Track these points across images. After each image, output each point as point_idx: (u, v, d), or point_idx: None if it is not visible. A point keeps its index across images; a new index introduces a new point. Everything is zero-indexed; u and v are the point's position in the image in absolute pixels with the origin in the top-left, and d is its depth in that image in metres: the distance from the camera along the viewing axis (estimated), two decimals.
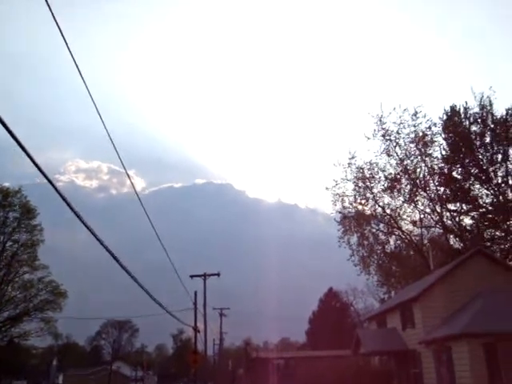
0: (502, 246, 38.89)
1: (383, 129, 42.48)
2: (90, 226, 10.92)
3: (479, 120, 38.84)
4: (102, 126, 11.13)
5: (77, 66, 9.34)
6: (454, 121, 40.29)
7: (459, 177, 40.68)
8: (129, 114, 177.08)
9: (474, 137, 39.15)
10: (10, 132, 7.56)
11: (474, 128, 39.39)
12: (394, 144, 42.59)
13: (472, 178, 39.97)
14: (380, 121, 42.49)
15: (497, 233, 39.58)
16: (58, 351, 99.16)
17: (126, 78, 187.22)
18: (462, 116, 39.85)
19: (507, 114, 37.77)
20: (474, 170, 39.65)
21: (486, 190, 39.57)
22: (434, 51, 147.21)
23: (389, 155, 43.02)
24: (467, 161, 39.65)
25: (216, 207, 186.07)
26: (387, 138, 42.49)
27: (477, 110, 39.03)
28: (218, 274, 43.45)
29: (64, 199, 9.09)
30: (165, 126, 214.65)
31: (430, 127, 41.38)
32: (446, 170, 41.26)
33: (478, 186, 40.16)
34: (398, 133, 42.25)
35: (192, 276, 42.55)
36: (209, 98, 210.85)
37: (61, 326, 52.22)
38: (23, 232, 49.54)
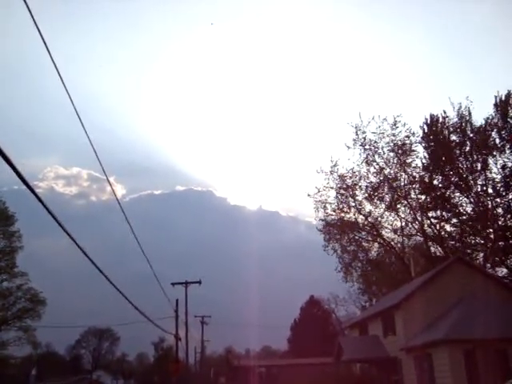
0: (483, 254, 39.33)
1: (362, 138, 42.79)
2: (70, 233, 10.81)
3: (458, 129, 39.37)
4: (81, 132, 11.03)
5: (56, 69, 9.26)
6: (433, 130, 40.78)
7: (440, 185, 41.14)
8: (108, 120, 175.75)
9: (453, 145, 39.65)
10: None
11: (453, 137, 39.93)
12: (373, 153, 42.92)
13: (452, 187, 40.44)
14: (359, 130, 42.79)
15: (477, 240, 40.05)
16: (37, 360, 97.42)
17: (105, 82, 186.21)
18: (441, 125, 40.36)
19: (486, 123, 38.33)
20: (454, 179, 40.11)
21: (466, 198, 40.07)
22: (413, 61, 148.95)
23: (369, 164, 43.34)
24: (447, 169, 40.11)
25: (197, 214, 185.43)
26: (366, 147, 42.82)
27: (456, 119, 39.58)
28: (200, 282, 43.29)
29: (44, 205, 8.99)
30: (145, 133, 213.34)
31: (408, 136, 41.82)
32: (426, 179, 41.67)
33: (458, 194, 40.64)
34: (375, 142, 42.59)
35: (173, 284, 42.34)
36: (190, 104, 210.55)
37: (40, 334, 51.40)
38: (1, 238, 48.70)
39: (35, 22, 8.11)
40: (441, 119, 40.43)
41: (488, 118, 38.25)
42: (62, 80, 9.47)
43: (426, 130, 41.36)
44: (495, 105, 37.71)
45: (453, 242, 41.00)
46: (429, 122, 41.11)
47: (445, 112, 40.20)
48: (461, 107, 39.17)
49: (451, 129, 39.81)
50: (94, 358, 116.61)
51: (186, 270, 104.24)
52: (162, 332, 43.52)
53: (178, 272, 77.70)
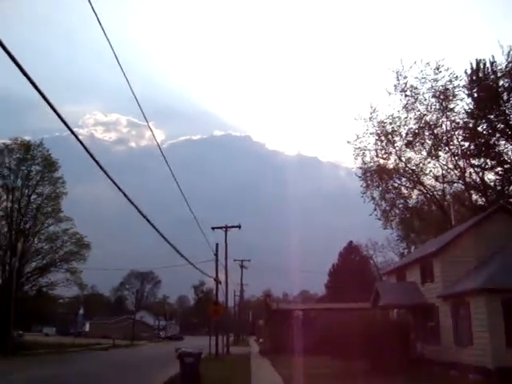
0: None
1: (404, 84, 41.71)
2: (112, 177, 11.07)
3: (507, 74, 37.67)
4: (118, 79, 11.13)
5: (97, 18, 9.26)
6: (479, 75, 39.20)
7: (484, 132, 39.88)
8: (146, 67, 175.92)
9: (501, 91, 38.11)
10: (34, 85, 7.58)
11: (501, 82, 38.29)
12: (414, 99, 41.85)
13: (497, 134, 39.15)
14: (400, 75, 41.67)
15: None
16: (84, 301, 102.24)
17: (144, 30, 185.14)
18: (489, 70, 38.69)
19: None
20: (499, 126, 38.78)
21: (511, 146, 38.84)
22: (458, 3, 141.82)
23: (409, 110, 42.34)
24: (493, 116, 38.75)
25: (235, 159, 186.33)
26: (408, 93, 41.76)
27: (504, 65, 37.81)
28: (239, 227, 43.98)
29: (87, 150, 9.20)
30: (182, 78, 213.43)
31: (451, 80, 40.43)
32: (470, 125, 40.46)
33: (503, 142, 39.38)
34: (416, 88, 41.46)
35: (213, 228, 43.18)
36: (228, 51, 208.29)
37: (86, 276, 53.74)
38: (46, 185, 50.41)
39: None
40: (488, 64, 38.77)
41: None
42: (101, 27, 9.48)
43: (471, 75, 39.80)
44: None
45: (495, 191, 40.03)
46: (475, 67, 39.50)
47: (493, 57, 38.52)
48: (511, 50, 37.37)
49: (499, 73, 38.14)
50: (136, 300, 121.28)
51: (226, 214, 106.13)
52: (203, 275, 44.87)
53: (218, 216, 79.08)
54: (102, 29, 9.53)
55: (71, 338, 67.16)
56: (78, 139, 8.81)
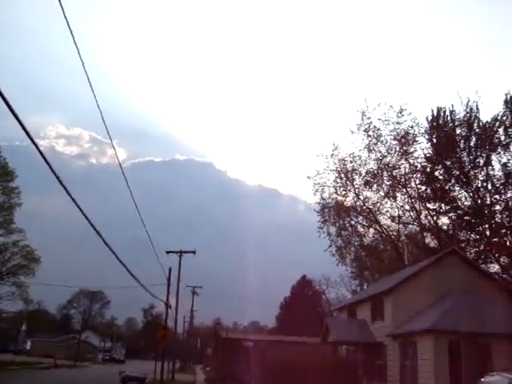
0: (476, 249, 39.52)
1: (367, 124, 42.70)
2: (70, 192, 10.89)
3: (465, 123, 39.17)
4: (86, 94, 11.05)
5: (71, 31, 9.23)
6: (439, 122, 40.62)
7: (440, 177, 41.12)
8: (112, 88, 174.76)
9: (458, 139, 39.53)
10: None
11: (459, 131, 39.76)
12: (376, 141, 42.87)
13: (453, 180, 40.41)
14: (364, 115, 42.67)
15: (472, 235, 40.19)
16: (28, 316, 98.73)
17: (111, 52, 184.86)
18: (448, 118, 40.17)
19: (493, 119, 38.14)
20: (455, 172, 40.07)
21: (465, 193, 40.08)
22: (422, 53, 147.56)
23: (370, 150, 43.33)
24: (450, 162, 40.06)
25: (196, 185, 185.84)
26: (370, 133, 42.77)
27: (462, 114, 39.35)
28: (194, 252, 43.49)
29: (46, 162, 9.05)
30: (147, 101, 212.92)
31: (412, 126, 41.75)
32: (427, 169, 41.65)
33: (458, 188, 40.64)
34: (379, 129, 42.54)
35: (168, 252, 42.54)
36: (194, 76, 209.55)
37: (32, 291, 51.96)
38: (0, 194, 48.83)
39: None
40: (448, 112, 40.24)
41: (496, 115, 38.07)
42: (75, 42, 9.44)
43: (431, 122, 41.18)
44: (505, 101, 37.43)
45: (448, 235, 41.10)
46: (435, 113, 40.94)
47: (452, 106, 40.06)
48: (469, 101, 38.98)
49: (457, 122, 39.63)
50: (83, 319, 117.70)
51: (182, 239, 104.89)
52: (153, 299, 43.95)
53: (173, 241, 78.24)
54: (76, 46, 9.50)
55: (11, 356, 64.39)
56: (39, 149, 8.67)
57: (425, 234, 43.71)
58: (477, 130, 38.79)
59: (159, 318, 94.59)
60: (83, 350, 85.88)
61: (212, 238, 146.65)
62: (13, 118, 7.95)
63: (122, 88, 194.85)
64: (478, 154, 38.74)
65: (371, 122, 42.50)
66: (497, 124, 38.01)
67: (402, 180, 43.36)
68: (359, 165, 43.97)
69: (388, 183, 43.90)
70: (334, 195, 45.41)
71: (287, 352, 29.15)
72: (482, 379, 14.83)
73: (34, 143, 8.35)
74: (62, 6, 8.51)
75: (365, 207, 45.27)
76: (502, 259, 37.80)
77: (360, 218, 46.42)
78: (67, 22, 8.93)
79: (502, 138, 37.81)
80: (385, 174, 43.72)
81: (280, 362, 28.98)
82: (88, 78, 10.66)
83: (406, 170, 43.22)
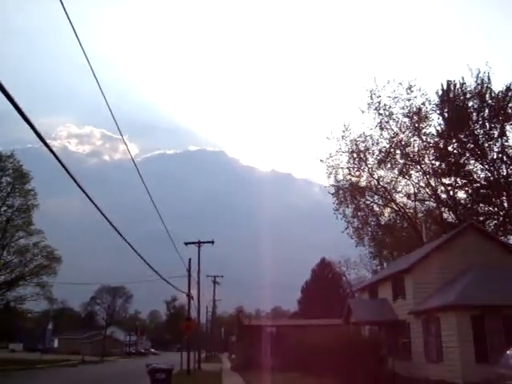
0: (495, 222, 39.21)
1: (377, 102, 42.39)
2: (85, 190, 10.98)
3: (476, 95, 38.65)
4: (94, 92, 11.08)
5: (74, 30, 9.23)
6: (450, 96, 40.13)
7: (454, 151, 40.71)
8: (121, 82, 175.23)
9: (470, 111, 39.04)
10: (8, 96, 7.48)
11: (470, 103, 39.26)
12: (387, 119, 42.55)
13: (467, 153, 40.01)
14: (374, 94, 42.36)
15: (490, 208, 39.85)
16: (53, 315, 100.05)
17: (119, 45, 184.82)
18: (459, 91, 39.64)
19: (507, 89, 37.57)
20: (469, 145, 39.65)
21: (480, 166, 39.70)
22: (432, 25, 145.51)
23: (382, 129, 43.02)
24: (463, 136, 39.62)
25: (209, 174, 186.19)
26: (381, 111, 42.45)
27: (473, 86, 38.80)
28: (212, 242, 43.73)
29: (60, 162, 9.12)
30: (157, 93, 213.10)
31: (424, 103, 41.36)
32: (441, 145, 41.25)
33: (473, 161, 40.27)
34: (390, 106, 42.20)
35: (186, 243, 42.81)
36: (202, 65, 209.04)
37: (56, 290, 52.69)
38: (17, 197, 49.39)
39: None
40: (458, 85, 39.72)
41: (509, 84, 37.52)
42: (79, 41, 9.45)
43: (442, 96, 40.70)
44: None
45: (465, 209, 40.79)
46: (445, 87, 40.43)
47: (463, 78, 39.54)
48: (479, 72, 38.43)
49: (469, 95, 39.12)
50: (107, 315, 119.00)
51: (200, 229, 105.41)
52: (175, 291, 44.40)
53: (191, 231, 78.59)
54: (80, 43, 9.51)
55: (39, 355, 65.50)
56: (52, 151, 8.73)
57: (442, 209, 43.40)
58: (489, 102, 38.29)
59: (182, 310, 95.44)
60: (109, 345, 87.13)
61: (229, 226, 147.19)
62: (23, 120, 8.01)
63: (132, 82, 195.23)
64: (492, 125, 38.27)
65: (381, 101, 42.22)
66: (510, 94, 37.48)
67: (416, 157, 43.02)
68: (371, 144, 43.76)
69: (401, 161, 43.59)
70: (348, 176, 45.28)
71: (310, 335, 29.25)
72: (508, 351, 14.75)
73: (46, 145, 8.41)
74: (62, 5, 8.51)
75: (380, 186, 45.04)
76: None
77: (375, 197, 46.28)
78: (69, 20, 8.94)
79: None
80: (398, 151, 43.42)
81: (303, 345, 29.15)
82: (95, 76, 10.68)
83: (419, 147, 42.88)
